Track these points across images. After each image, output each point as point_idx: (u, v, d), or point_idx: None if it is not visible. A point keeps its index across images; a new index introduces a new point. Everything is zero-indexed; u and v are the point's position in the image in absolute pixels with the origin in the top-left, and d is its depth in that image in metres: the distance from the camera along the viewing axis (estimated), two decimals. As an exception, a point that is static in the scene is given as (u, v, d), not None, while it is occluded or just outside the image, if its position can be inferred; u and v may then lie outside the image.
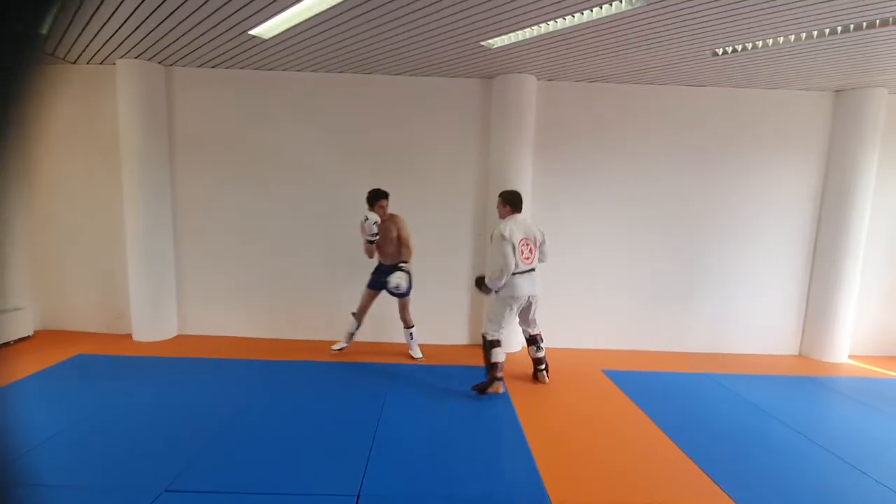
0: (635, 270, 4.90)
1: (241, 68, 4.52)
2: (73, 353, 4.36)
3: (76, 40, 3.91)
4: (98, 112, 4.66)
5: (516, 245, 3.54)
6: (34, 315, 4.87)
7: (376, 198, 4.14)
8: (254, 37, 3.66)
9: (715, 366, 4.61)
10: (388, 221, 4.22)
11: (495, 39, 3.55)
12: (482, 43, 3.62)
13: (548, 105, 4.61)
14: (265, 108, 4.65)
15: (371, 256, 4.28)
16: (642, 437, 3.17)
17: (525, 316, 3.91)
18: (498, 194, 3.83)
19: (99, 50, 4.14)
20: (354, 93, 4.63)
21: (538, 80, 4.53)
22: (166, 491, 2.40)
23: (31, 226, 4.86)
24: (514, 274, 3.59)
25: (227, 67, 4.52)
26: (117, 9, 3.26)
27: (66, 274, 4.95)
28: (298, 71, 4.56)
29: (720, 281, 4.93)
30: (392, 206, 4.76)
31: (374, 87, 4.62)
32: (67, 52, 4.24)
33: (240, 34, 3.63)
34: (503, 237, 3.52)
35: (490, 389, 3.68)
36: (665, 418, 3.41)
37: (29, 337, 4.75)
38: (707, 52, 3.69)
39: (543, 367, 4.02)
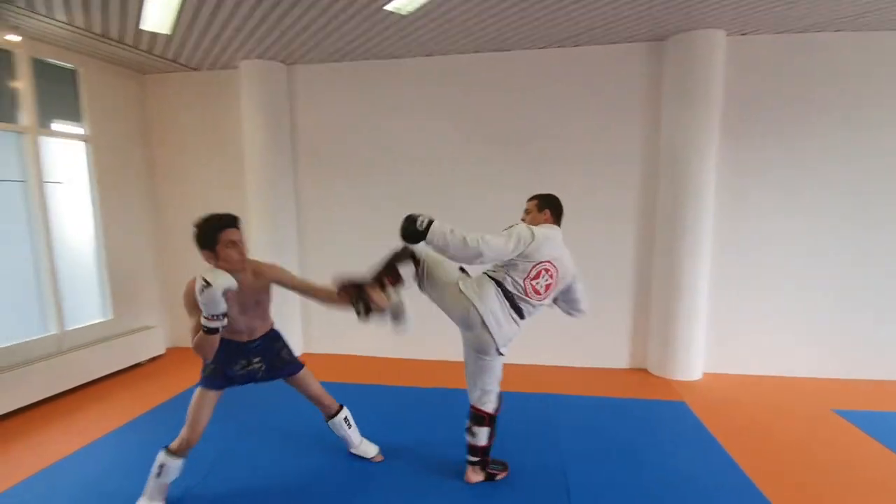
0: (849, 275, 3.75)
1: (366, 59, 4.05)
2: (205, 375, 4.15)
3: (198, 45, 3.65)
4: (222, 118, 4.44)
5: (538, 261, 2.21)
6: (167, 333, 4.78)
7: (216, 230, 2.12)
8: (390, 14, 3.14)
9: None
10: (248, 275, 2.19)
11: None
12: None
13: (738, 67, 3.62)
14: (391, 100, 4.14)
15: (209, 356, 2.09)
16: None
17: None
18: (532, 197, 2.49)
19: (222, 54, 3.87)
20: (490, 74, 3.97)
21: (727, 35, 3.57)
22: None
23: (159, 239, 4.78)
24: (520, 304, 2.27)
25: (351, 60, 4.08)
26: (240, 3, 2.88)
27: (193, 290, 4.82)
28: (428, 56, 4.00)
29: None
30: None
31: (513, 65, 3.93)
32: (191, 58, 4.04)
33: (374, 13, 3.12)
34: (532, 233, 2.20)
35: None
36: None
37: (161, 356, 4.66)
38: None
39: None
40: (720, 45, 3.53)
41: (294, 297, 4.43)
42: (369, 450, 2.69)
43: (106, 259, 4.20)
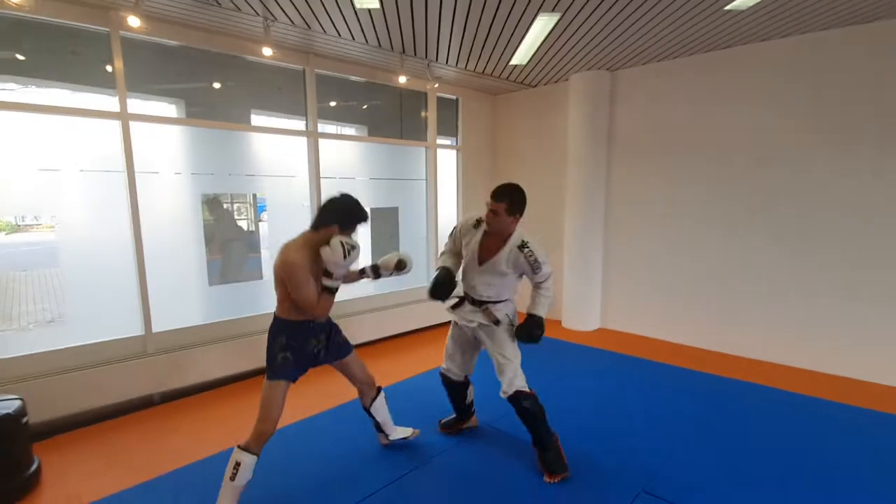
0: None
1: (690, 55, 4.22)
2: (522, 331, 5.23)
3: (541, 68, 4.58)
4: (550, 122, 5.39)
5: None
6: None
7: (360, 220, 2.23)
8: (727, 12, 3.26)
9: None
10: None
11: None
12: None
13: None
14: (712, 93, 4.18)
15: (324, 313, 2.21)
16: None
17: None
18: (499, 198, 2.37)
19: (557, 72, 4.74)
20: (835, 52, 3.55)
21: None
22: (643, 492, 2.35)
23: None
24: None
25: (673, 58, 4.32)
26: (580, 26, 3.53)
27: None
28: (763, 41, 3.86)
29: None
30: (872, 195, 3.45)
31: (866, 40, 3.40)
32: (532, 79, 5.07)
33: (711, 14, 3.30)
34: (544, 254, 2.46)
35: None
36: None
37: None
38: None
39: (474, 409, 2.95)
40: None
41: (598, 277, 5.07)
42: (406, 431, 2.77)
43: (462, 235, 5.77)
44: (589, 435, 2.91)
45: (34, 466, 2.44)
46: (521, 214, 2.43)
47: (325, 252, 2.03)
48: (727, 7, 3.16)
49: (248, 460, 2.05)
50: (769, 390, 3.55)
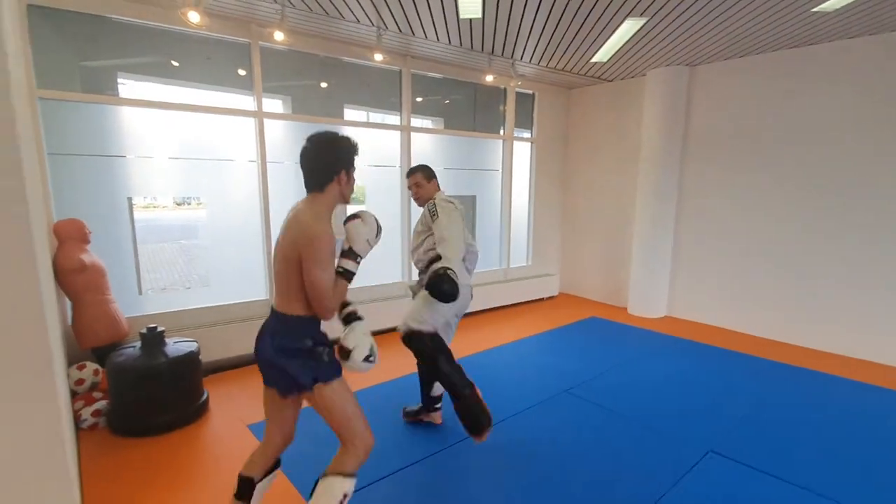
0: None
1: (774, 51, 4.29)
2: (588, 315, 5.52)
3: (620, 64, 4.78)
4: (624, 116, 5.57)
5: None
6: (559, 280, 6.47)
7: (354, 149, 1.68)
8: (814, 13, 3.37)
9: None
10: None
11: None
12: None
13: None
14: (794, 89, 4.23)
15: (334, 308, 1.64)
16: None
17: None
18: (412, 173, 2.67)
19: (635, 68, 4.92)
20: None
21: None
22: (711, 451, 2.66)
23: (563, 210, 6.44)
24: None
25: (756, 54, 4.40)
26: (659, 22, 3.72)
27: (583, 252, 6.30)
28: (850, 38, 3.89)
29: None
30: None
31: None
32: (609, 74, 5.28)
33: (799, 14, 3.42)
34: (455, 207, 2.53)
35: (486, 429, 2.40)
36: None
37: (554, 297, 6.37)
38: None
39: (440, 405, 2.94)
40: None
41: (666, 266, 5.25)
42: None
43: (532, 223, 6.11)
44: (658, 407, 3.21)
45: (205, 396, 3.10)
46: (435, 177, 2.70)
47: (356, 227, 1.63)
48: (814, 9, 3.27)
49: (351, 487, 1.63)
50: (840, 380, 3.68)
